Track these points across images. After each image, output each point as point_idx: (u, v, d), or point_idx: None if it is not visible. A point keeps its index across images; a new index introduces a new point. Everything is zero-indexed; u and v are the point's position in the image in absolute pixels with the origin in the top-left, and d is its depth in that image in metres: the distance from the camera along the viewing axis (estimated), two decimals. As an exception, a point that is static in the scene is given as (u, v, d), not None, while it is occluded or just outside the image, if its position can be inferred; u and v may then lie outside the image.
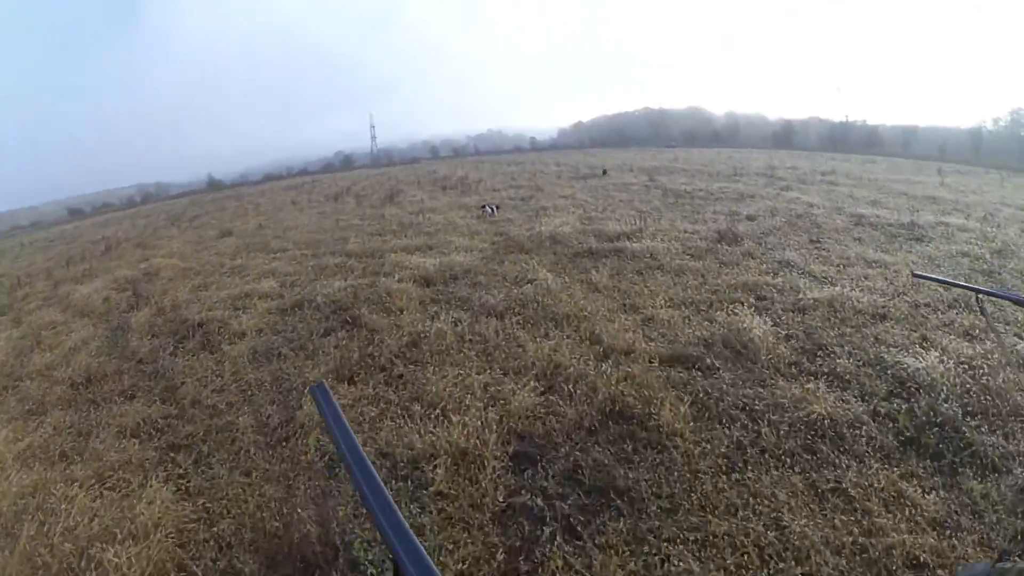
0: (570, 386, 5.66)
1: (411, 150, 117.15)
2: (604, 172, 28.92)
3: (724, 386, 5.80)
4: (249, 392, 6.70)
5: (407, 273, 10.60)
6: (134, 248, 21.12)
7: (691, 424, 5.15)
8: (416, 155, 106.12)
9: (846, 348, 6.67)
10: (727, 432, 5.06)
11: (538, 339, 6.94)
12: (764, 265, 10.41)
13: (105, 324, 10.39)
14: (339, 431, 1.09)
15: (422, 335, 7.37)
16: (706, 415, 5.31)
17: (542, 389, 5.75)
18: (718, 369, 6.14)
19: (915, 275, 4.26)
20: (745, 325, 7.01)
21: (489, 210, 17.59)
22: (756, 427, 5.13)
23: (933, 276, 6.41)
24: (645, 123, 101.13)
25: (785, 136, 78.99)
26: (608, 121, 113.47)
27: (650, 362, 6.23)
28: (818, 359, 6.41)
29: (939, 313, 7.76)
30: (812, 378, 6.01)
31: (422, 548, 0.82)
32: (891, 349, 6.57)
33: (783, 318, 7.60)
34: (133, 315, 10.57)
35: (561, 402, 5.45)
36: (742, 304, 8.11)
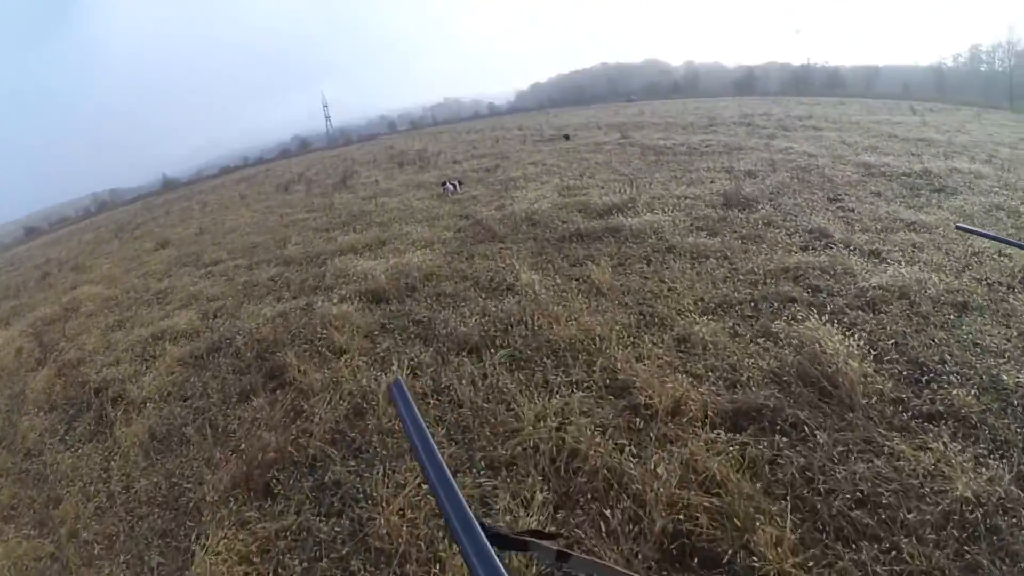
0: (598, 503, 3.49)
1: (368, 127, 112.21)
2: (567, 137, 26.10)
3: (825, 462, 3.73)
4: (133, 519, 4.51)
5: (352, 288, 8.27)
6: (69, 272, 18.48)
7: (802, 556, 3.08)
8: (374, 131, 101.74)
9: (949, 366, 4.69)
10: (856, 558, 3.04)
11: (535, 394, 4.74)
12: (794, 237, 8.36)
13: (8, 390, 8.11)
14: (415, 430, 1.04)
15: (368, 397, 5.11)
16: (819, 534, 3.24)
17: (553, 505, 3.58)
18: (806, 427, 4.06)
19: (959, 227, 3.97)
20: (819, 343, 4.91)
21: (450, 187, 15.15)
22: (892, 538, 3.12)
23: (978, 230, 6.03)
24: (603, 79, 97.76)
25: (747, 83, 76.75)
26: (565, 80, 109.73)
27: (711, 428, 4.09)
28: (925, 390, 4.42)
29: (1017, 292, 5.95)
30: (930, 425, 4.03)
31: (489, 547, 0.78)
32: (999, 361, 4.74)
33: (855, 321, 5.55)
34: (34, 376, 8.34)
35: (587, 534, 3.30)
36: (796, 303, 6.04)
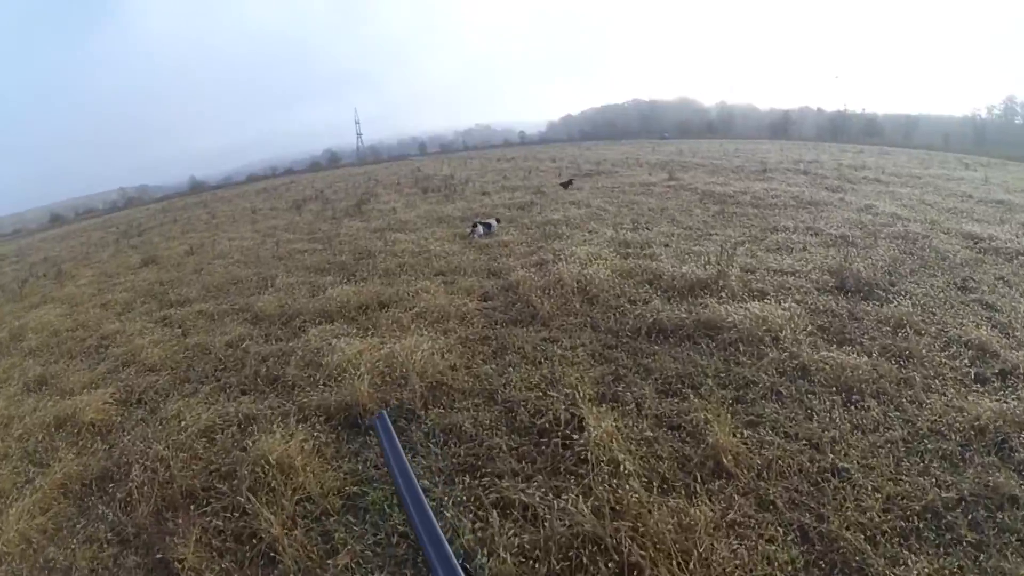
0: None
1: (399, 146, 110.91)
2: (567, 185, 19.75)
3: None
4: None
5: (317, 398, 5.30)
6: (50, 280, 15.97)
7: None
8: (404, 152, 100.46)
9: None
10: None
11: None
12: (954, 358, 5.38)
13: None
14: (396, 463, 1.03)
15: None
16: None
17: None
18: None
19: None
20: None
21: (480, 230, 12.29)
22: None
23: None
24: (635, 115, 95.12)
25: (782, 126, 73.50)
26: (597, 114, 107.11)
27: None
28: None
29: None
30: None
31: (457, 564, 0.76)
32: None
33: None
34: None
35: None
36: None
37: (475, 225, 12.49)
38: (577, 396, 4.74)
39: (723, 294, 7.15)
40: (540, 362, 5.62)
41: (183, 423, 5.28)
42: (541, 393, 4.96)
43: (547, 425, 4.45)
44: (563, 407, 4.61)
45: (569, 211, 14.31)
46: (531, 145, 79.37)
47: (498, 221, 12.93)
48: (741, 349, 5.63)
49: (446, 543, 0.84)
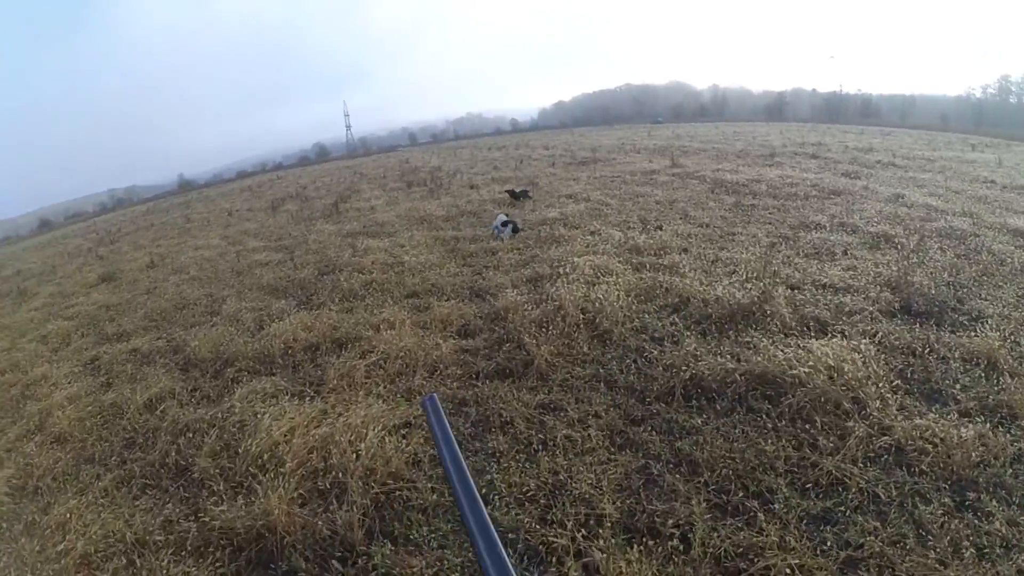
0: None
1: (390, 138, 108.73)
2: (516, 196, 14.59)
3: None
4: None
5: (223, 512, 3.60)
6: (9, 302, 14.16)
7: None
8: (395, 142, 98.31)
9: None
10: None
11: None
12: None
13: None
14: (445, 443, 0.97)
15: None
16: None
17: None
18: None
19: None
20: None
21: (507, 231, 10.51)
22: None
23: None
24: (628, 99, 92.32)
25: (777, 108, 71.34)
26: (589, 99, 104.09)
27: None
28: None
29: None
30: None
31: (509, 564, 0.71)
32: None
33: None
34: None
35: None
36: None
37: (506, 224, 10.61)
38: (594, 523, 3.07)
39: (771, 324, 5.48)
40: (536, 450, 3.93)
41: (64, 544, 3.65)
42: (540, 515, 3.28)
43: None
44: (574, 544, 2.94)
45: (566, 207, 12.55)
46: (523, 133, 77.27)
47: (513, 230, 10.81)
48: (816, 421, 3.95)
49: (495, 534, 0.76)
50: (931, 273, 6.97)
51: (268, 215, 20.92)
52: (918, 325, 5.57)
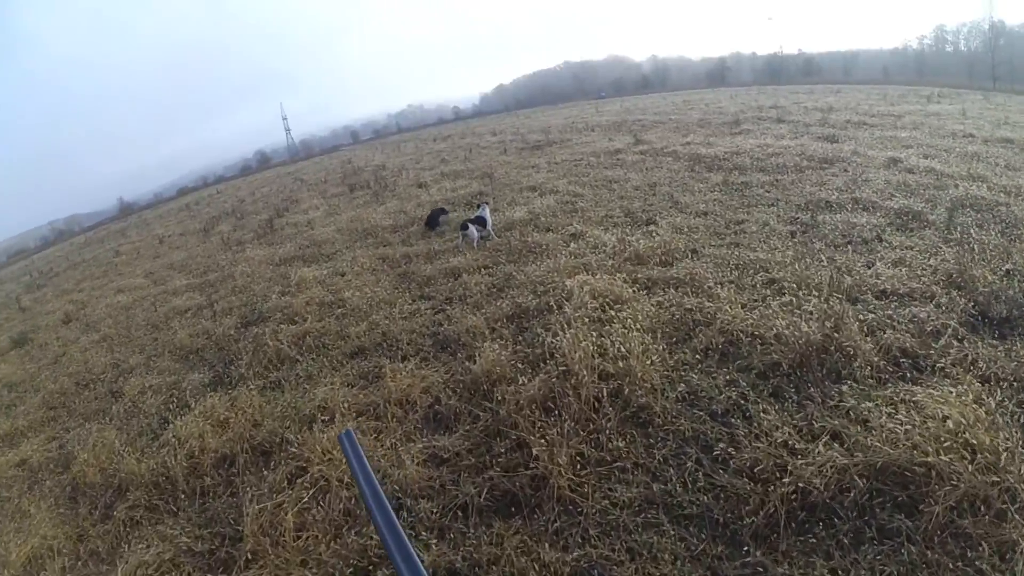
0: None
1: (332, 137, 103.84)
2: (440, 214, 11.07)
3: None
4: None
5: None
6: None
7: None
8: (337, 142, 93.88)
9: None
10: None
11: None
12: None
13: None
14: (363, 477, 1.01)
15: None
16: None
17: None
18: None
19: None
20: None
21: (473, 232, 8.66)
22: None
23: None
24: (569, 78, 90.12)
25: (719, 74, 70.46)
26: (530, 81, 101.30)
27: None
28: None
29: None
30: None
31: None
32: None
33: None
34: None
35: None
36: None
37: (465, 227, 8.69)
38: None
39: (856, 368, 3.81)
40: None
41: None
42: None
43: None
44: None
45: (533, 203, 10.64)
46: (466, 120, 74.50)
47: (479, 234, 8.84)
48: (971, 534, 2.29)
49: (418, 559, 0.81)
50: (986, 261, 5.48)
51: (200, 239, 18.31)
52: (1008, 340, 4.07)
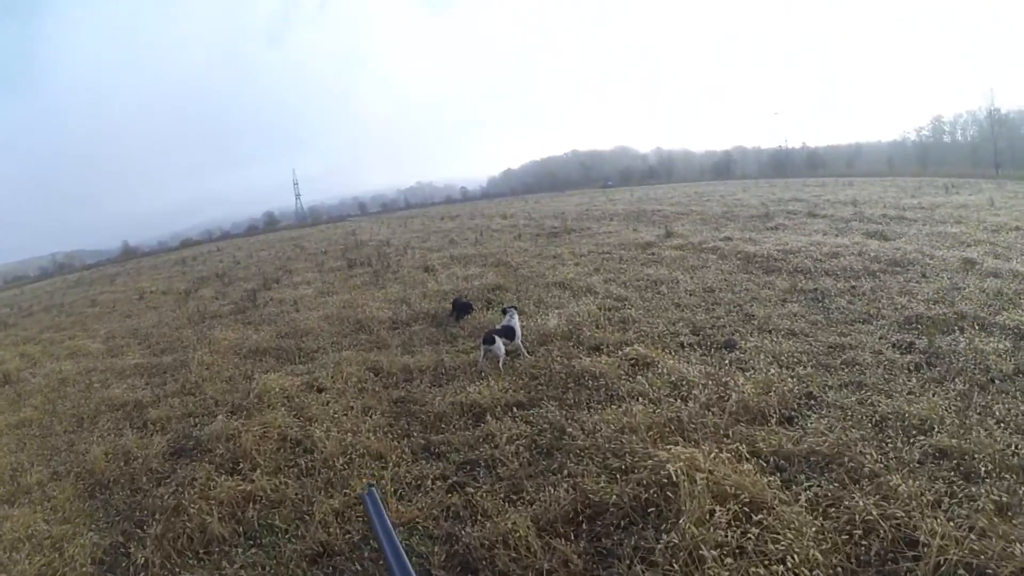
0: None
1: (340, 206, 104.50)
2: (464, 309, 9.16)
3: None
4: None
5: None
6: None
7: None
8: (346, 211, 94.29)
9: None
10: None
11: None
12: None
13: None
14: (386, 540, 1.00)
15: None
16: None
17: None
18: None
19: None
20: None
21: (499, 347, 6.38)
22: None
23: None
24: (576, 165, 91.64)
25: (725, 166, 71.58)
26: (538, 166, 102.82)
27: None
28: None
29: None
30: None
31: None
32: None
33: None
34: None
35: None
36: None
37: (491, 340, 6.36)
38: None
39: None
40: None
41: None
42: None
43: None
44: None
45: (567, 306, 8.64)
46: (474, 201, 74.66)
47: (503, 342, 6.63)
48: None
49: None
50: None
51: (177, 303, 16.31)
52: None
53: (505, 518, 3.44)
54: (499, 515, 3.51)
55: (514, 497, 3.75)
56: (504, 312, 7.10)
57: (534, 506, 3.57)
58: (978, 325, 6.38)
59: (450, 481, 4.05)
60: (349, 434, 4.86)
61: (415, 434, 4.94)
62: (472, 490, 3.89)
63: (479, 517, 3.56)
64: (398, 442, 4.79)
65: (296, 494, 4.14)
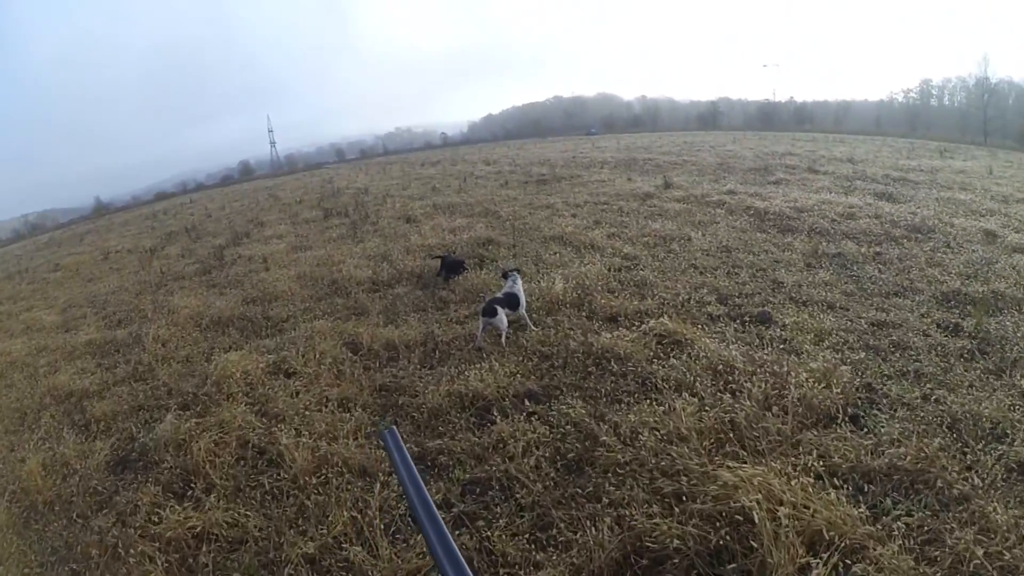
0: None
1: (318, 154, 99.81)
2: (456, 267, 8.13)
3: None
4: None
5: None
6: None
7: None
8: (323, 158, 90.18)
9: None
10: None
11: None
12: None
13: None
14: (408, 478, 0.97)
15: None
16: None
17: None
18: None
19: None
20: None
21: (501, 318, 5.46)
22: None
23: None
24: (559, 112, 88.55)
25: (711, 117, 69.86)
26: (520, 112, 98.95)
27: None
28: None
29: None
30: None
31: None
32: None
33: None
34: None
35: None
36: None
37: (492, 311, 5.41)
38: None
39: None
40: None
41: None
42: None
43: None
44: None
45: (571, 266, 7.69)
46: (455, 146, 71.90)
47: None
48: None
49: (463, 561, 0.76)
50: None
51: (141, 263, 14.87)
52: None
53: (535, 574, 2.60)
54: (526, 566, 2.67)
55: (541, 536, 2.91)
56: (505, 277, 6.14)
57: (572, 551, 2.73)
58: (1018, 307, 5.71)
59: (455, 511, 3.16)
60: (324, 440, 3.92)
61: (406, 437, 4.05)
62: (483, 523, 3.04)
63: (499, 569, 2.71)
64: (385, 451, 3.92)
65: (259, 529, 3.23)
